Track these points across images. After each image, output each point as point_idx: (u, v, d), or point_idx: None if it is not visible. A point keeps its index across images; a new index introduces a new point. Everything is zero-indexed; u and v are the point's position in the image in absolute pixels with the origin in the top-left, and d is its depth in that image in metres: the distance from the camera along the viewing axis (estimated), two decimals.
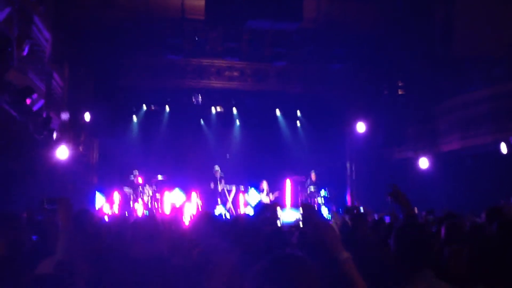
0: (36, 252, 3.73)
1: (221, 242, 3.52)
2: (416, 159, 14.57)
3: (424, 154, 14.47)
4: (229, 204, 15.34)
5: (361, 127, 15.65)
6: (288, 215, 13.60)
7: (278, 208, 5.45)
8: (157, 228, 4.08)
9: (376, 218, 8.19)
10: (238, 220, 4.30)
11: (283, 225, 6.75)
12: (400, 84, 15.92)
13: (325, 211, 14.15)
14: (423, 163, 14.34)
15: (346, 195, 16.60)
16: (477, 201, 10.88)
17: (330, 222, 5.76)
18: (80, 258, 3.27)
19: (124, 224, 5.21)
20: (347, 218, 5.41)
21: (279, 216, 5.43)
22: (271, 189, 15.43)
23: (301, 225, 2.38)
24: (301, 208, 2.33)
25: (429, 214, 7.86)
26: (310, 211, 2.29)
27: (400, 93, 15.80)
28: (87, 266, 3.29)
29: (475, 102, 13.36)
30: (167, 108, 17.25)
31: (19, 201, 8.04)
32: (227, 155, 17.39)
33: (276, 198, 15.11)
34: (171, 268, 3.49)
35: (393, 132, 15.63)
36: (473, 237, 4.37)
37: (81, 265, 3.08)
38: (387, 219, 7.33)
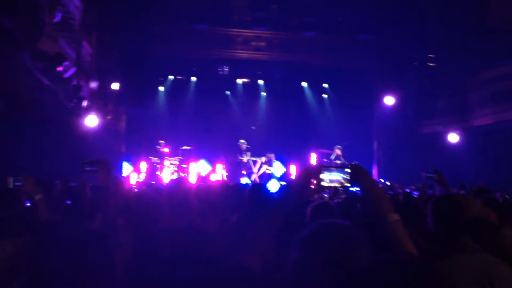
0: (70, 214, 3.82)
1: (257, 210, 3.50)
2: (446, 133, 14.32)
3: (454, 129, 14.20)
4: (255, 176, 15.35)
5: (389, 100, 15.39)
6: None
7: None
8: (188, 194, 4.09)
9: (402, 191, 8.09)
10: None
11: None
12: (430, 56, 15.55)
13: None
14: (453, 137, 14.08)
15: (372, 169, 16.46)
16: (508, 177, 10.68)
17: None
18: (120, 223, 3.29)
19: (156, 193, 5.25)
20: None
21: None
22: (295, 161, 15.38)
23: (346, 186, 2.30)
24: (349, 168, 2.25)
25: (461, 189, 7.74)
26: (359, 172, 2.22)
27: (430, 65, 15.44)
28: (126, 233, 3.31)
29: (508, 76, 13.00)
30: (193, 79, 17.20)
31: (51, 167, 8.17)
32: (253, 126, 17.34)
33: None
34: (208, 236, 3.49)
35: (423, 106, 15.36)
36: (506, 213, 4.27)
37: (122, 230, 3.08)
38: (415, 194, 7.24)
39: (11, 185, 3.95)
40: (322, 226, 1.76)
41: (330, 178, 2.27)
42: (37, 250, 2.41)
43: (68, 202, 4.44)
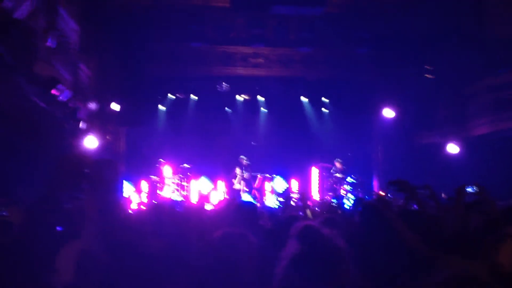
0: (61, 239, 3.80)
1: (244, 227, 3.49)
2: (445, 143, 14.28)
3: (453, 139, 14.16)
4: (254, 192, 15.36)
5: (388, 112, 15.42)
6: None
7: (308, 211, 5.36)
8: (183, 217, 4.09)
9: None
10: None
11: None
12: (428, 68, 15.58)
13: (351, 198, 14.02)
14: (452, 148, 14.05)
15: (373, 181, 16.42)
16: (508, 187, 10.61)
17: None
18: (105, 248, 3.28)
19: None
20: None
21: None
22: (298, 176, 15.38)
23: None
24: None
25: (451, 200, 7.66)
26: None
27: (428, 76, 15.46)
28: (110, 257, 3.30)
29: (506, 85, 12.98)
30: (193, 97, 17.29)
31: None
32: (253, 142, 17.37)
33: (302, 189, 15.04)
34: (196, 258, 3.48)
35: (421, 117, 15.35)
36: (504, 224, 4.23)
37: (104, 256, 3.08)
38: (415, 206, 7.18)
39: None
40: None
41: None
42: None
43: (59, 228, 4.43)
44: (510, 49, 13.03)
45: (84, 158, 2.16)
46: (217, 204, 6.87)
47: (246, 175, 15.38)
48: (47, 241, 2.14)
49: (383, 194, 13.00)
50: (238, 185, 15.21)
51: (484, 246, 3.27)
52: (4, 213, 3.87)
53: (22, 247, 1.94)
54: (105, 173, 2.25)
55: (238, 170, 15.31)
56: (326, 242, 1.83)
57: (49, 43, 7.91)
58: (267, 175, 15.57)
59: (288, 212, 5.79)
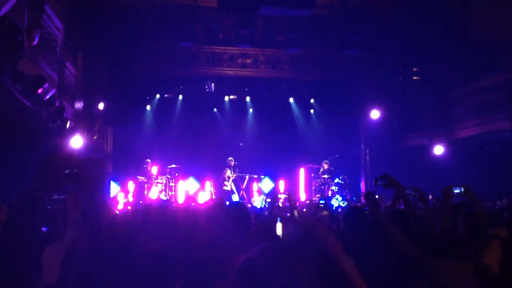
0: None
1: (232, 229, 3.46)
2: (432, 145, 14.39)
3: (439, 141, 14.28)
4: (242, 193, 15.34)
5: (375, 114, 15.50)
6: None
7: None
8: (171, 217, 4.04)
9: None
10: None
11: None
12: (415, 70, 15.69)
13: (338, 199, 14.05)
14: (438, 149, 14.16)
15: (360, 182, 16.47)
16: (494, 188, 10.71)
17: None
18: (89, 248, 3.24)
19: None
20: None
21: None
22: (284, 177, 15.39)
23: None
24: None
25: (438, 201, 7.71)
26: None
27: (415, 78, 15.58)
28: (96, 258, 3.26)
29: (492, 87, 13.11)
30: (180, 97, 17.21)
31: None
32: (241, 143, 17.35)
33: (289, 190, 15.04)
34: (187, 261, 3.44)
35: (408, 119, 15.46)
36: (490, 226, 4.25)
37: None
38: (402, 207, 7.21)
39: None
40: (264, 250, 1.70)
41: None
42: None
43: (44, 228, 4.38)
44: (496, 51, 13.17)
45: (70, 157, 2.11)
46: (204, 204, 6.82)
47: (233, 176, 15.34)
48: (31, 241, 2.10)
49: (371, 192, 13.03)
50: (229, 186, 15.17)
51: (471, 247, 3.29)
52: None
53: (5, 247, 1.90)
54: (91, 173, 2.21)
55: (228, 172, 15.27)
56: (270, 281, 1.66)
57: (34, 41, 7.82)
58: (255, 175, 15.53)
59: (274, 213, 5.75)
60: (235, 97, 17.72)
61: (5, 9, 6.53)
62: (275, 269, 1.63)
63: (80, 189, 2.25)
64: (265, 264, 1.64)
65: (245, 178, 15.53)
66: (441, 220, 4.28)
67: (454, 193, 4.60)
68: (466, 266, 2.75)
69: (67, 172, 2.00)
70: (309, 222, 2.01)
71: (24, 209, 1.88)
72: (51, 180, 1.98)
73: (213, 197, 14.47)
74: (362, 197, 14.46)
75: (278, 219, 4.72)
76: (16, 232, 1.88)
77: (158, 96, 17.15)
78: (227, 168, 15.33)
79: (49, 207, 5.86)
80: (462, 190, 4.58)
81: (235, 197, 14.86)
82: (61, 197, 3.42)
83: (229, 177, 15.25)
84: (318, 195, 15.14)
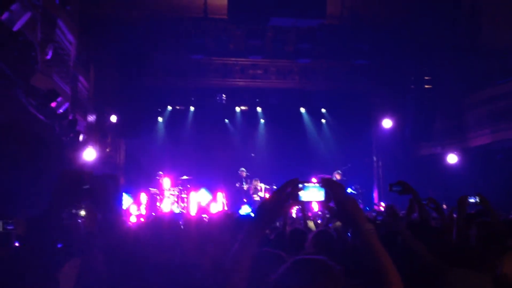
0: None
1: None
2: (444, 154, 14.27)
3: (452, 149, 14.16)
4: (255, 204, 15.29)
5: (387, 123, 15.43)
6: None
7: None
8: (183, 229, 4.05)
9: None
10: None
11: None
12: (426, 78, 15.62)
13: None
14: (451, 158, 14.03)
15: (373, 192, 16.36)
16: (508, 197, 10.57)
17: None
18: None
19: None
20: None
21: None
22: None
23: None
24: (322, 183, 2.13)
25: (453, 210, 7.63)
26: (332, 185, 2.13)
27: (427, 87, 15.50)
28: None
29: (504, 95, 13.01)
30: (192, 108, 17.29)
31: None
32: (252, 154, 17.34)
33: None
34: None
35: (420, 127, 15.36)
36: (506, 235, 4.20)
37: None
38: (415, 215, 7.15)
39: (0, 229, 3.91)
40: (297, 265, 1.74)
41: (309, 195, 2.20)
42: None
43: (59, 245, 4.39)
44: (507, 59, 13.10)
45: (86, 173, 2.14)
46: (214, 215, 6.83)
47: (245, 186, 15.33)
48: (48, 255, 2.11)
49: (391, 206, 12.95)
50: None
51: (488, 257, 3.25)
52: (10, 227, 3.82)
53: (23, 261, 1.91)
54: (106, 188, 2.23)
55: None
56: None
57: (48, 55, 7.92)
58: (267, 186, 15.51)
59: (286, 224, 5.74)
60: (246, 108, 17.75)
61: (18, 25, 6.63)
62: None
63: (96, 204, 2.27)
64: (295, 282, 1.69)
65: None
66: (457, 229, 4.25)
67: (469, 202, 4.58)
68: (485, 276, 2.72)
69: (84, 188, 2.03)
70: (341, 199, 2.03)
71: (42, 224, 1.90)
72: (68, 196, 2.01)
73: (225, 208, 14.46)
74: (375, 207, 14.38)
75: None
76: (34, 247, 1.90)
77: (169, 108, 17.24)
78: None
79: (67, 221, 5.91)
80: (477, 199, 4.56)
81: (246, 208, 14.82)
82: (77, 211, 3.46)
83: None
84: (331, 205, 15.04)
